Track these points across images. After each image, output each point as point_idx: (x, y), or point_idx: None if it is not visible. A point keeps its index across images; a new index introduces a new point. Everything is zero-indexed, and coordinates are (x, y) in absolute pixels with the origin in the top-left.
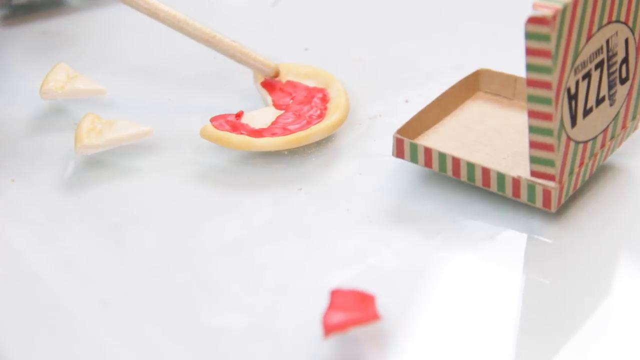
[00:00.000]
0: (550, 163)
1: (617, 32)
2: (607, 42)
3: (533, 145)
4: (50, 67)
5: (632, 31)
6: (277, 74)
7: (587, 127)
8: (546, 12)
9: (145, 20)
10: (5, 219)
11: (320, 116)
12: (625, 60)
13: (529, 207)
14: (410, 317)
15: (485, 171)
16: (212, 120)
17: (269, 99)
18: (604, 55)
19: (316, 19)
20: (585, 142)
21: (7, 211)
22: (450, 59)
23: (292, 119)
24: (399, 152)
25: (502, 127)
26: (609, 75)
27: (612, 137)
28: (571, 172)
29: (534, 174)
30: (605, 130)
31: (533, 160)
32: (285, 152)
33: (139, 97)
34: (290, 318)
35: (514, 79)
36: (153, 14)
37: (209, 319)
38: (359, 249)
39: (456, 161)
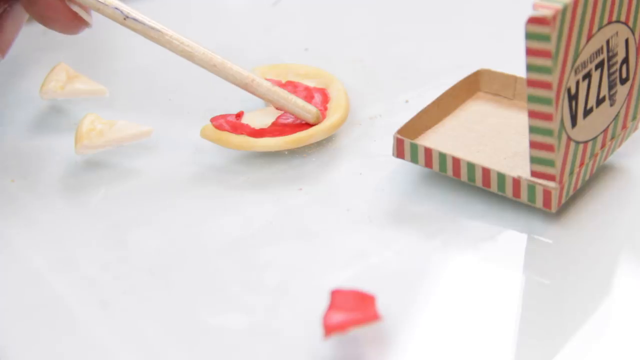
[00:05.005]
0: (550, 163)
1: (617, 32)
2: (608, 42)
3: (533, 145)
4: (50, 67)
5: (632, 31)
6: (319, 120)
7: (587, 127)
8: (546, 12)
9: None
10: (6, 219)
11: (321, 116)
12: (626, 60)
13: (529, 207)
14: (410, 317)
15: (486, 171)
16: (212, 120)
17: None
18: (604, 56)
19: (316, 19)
20: (586, 142)
21: (7, 211)
22: (450, 59)
23: (292, 119)
24: (399, 152)
25: (502, 127)
26: (609, 75)
27: (613, 137)
28: (571, 172)
29: (534, 174)
30: (605, 131)
31: (533, 160)
32: (285, 152)
33: (139, 97)
34: (290, 318)
35: (514, 79)
36: (189, 55)
37: (209, 319)
38: (359, 249)
39: (456, 161)
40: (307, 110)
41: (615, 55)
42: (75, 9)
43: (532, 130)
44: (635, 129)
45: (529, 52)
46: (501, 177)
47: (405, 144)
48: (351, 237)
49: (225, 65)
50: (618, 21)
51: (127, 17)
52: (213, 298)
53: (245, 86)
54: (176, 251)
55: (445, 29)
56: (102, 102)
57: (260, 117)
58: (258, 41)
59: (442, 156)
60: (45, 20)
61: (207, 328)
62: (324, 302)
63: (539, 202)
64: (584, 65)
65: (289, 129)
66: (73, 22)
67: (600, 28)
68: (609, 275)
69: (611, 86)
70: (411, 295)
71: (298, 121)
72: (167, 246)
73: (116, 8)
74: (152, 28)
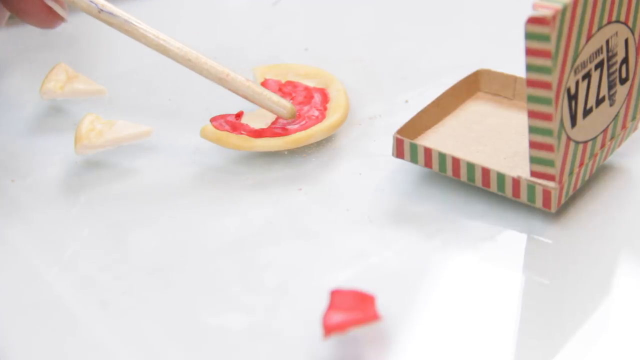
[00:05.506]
0: (550, 163)
1: (617, 32)
2: (607, 42)
3: (533, 145)
4: (50, 67)
5: (632, 31)
6: (294, 115)
7: (587, 127)
8: (546, 12)
9: (144, 21)
10: (6, 219)
11: (320, 116)
12: (625, 60)
13: (529, 207)
14: (410, 317)
15: (485, 171)
16: (212, 120)
17: None
18: (603, 56)
19: (316, 19)
20: (585, 142)
21: (7, 211)
22: (450, 59)
23: (291, 119)
24: (399, 152)
25: (502, 127)
26: (609, 75)
27: (612, 137)
28: (571, 173)
29: (534, 174)
30: (605, 131)
31: (533, 160)
32: (285, 152)
33: (139, 97)
34: (290, 318)
35: (514, 79)
36: (163, 49)
37: (209, 319)
38: (359, 249)
39: (456, 161)
40: (282, 105)
41: (614, 55)
42: (50, 3)
43: (532, 130)
44: (635, 129)
45: (529, 52)
46: (501, 177)
47: (405, 144)
48: (351, 237)
49: (200, 60)
50: (618, 21)
51: (102, 10)
52: (213, 298)
53: (220, 80)
54: (176, 251)
55: (445, 29)
56: (102, 102)
57: (260, 117)
58: (258, 41)
59: (442, 156)
60: (22, 14)
61: (207, 328)
62: (323, 302)
63: (539, 202)
64: (583, 65)
65: (289, 129)
66: (48, 17)
67: (599, 28)
68: (608, 275)
69: (611, 86)
70: (411, 295)
71: (298, 121)
72: (167, 246)
73: (91, 1)
74: (127, 21)
